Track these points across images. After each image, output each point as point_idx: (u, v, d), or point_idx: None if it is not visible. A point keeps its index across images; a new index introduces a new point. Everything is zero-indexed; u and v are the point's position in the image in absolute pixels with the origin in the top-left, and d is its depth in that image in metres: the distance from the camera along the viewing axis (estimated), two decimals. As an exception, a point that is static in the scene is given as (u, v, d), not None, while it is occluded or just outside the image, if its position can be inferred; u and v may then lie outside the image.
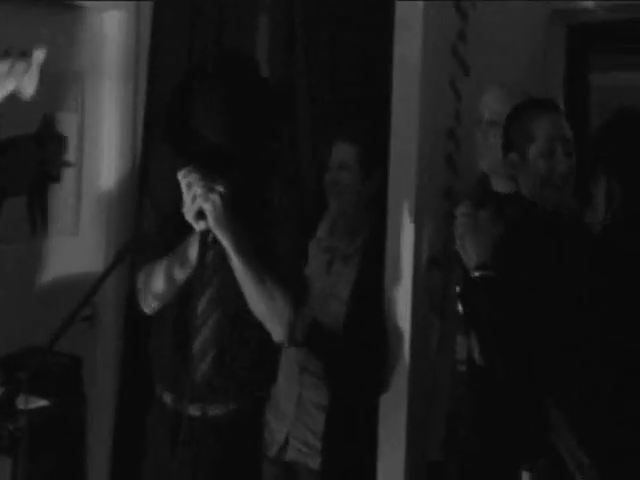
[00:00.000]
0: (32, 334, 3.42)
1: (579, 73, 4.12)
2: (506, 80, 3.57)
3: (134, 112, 4.61)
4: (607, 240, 2.69)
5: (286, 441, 3.68)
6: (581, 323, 2.60)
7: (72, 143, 4.43)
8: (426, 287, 3.56)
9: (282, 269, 2.82)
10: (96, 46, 4.54)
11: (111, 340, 4.58)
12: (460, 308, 3.13)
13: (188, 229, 2.72)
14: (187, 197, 2.63)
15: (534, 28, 3.99)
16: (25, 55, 2.64)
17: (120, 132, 4.59)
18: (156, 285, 2.88)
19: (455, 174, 3.64)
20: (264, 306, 2.79)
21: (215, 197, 2.61)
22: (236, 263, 2.72)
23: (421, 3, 3.46)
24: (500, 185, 3.32)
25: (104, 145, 4.58)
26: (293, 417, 3.68)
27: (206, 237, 2.67)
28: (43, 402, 3.64)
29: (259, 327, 2.84)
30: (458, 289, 3.14)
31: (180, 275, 2.80)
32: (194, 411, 2.87)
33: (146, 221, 3.07)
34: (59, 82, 4.36)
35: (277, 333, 2.84)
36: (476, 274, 2.82)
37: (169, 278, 2.83)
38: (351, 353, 3.57)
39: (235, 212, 2.67)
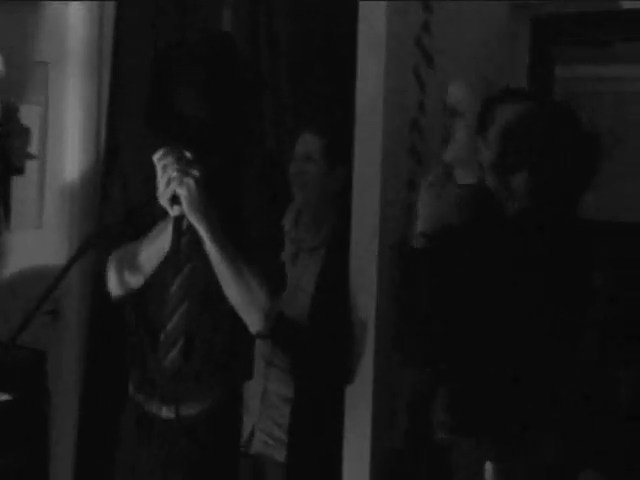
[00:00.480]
0: (-6, 328, 3.40)
1: (543, 65, 4.13)
2: (470, 71, 3.57)
3: (98, 104, 4.59)
4: (518, 229, 2.76)
5: (252, 434, 3.68)
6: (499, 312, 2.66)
7: (36, 136, 4.40)
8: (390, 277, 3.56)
9: (259, 258, 2.76)
10: (60, 38, 4.52)
11: (75, 334, 4.56)
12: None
13: (160, 214, 2.68)
14: (162, 181, 2.58)
15: (498, 20, 3.99)
16: None
17: (84, 125, 4.57)
18: (127, 270, 2.81)
19: (419, 165, 3.64)
20: (241, 296, 2.73)
21: (190, 181, 2.56)
22: (212, 251, 2.68)
23: (385, -6, 3.46)
24: (464, 176, 3.33)
25: (68, 138, 4.57)
26: (258, 410, 3.68)
27: (180, 223, 2.63)
28: (6, 397, 3.62)
29: (231, 315, 2.79)
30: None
31: (152, 261, 2.74)
32: (167, 413, 2.82)
33: (115, 205, 2.98)
34: (23, 74, 4.34)
35: (254, 323, 2.78)
36: (414, 243, 2.90)
37: (140, 263, 2.77)
38: (316, 345, 3.56)
39: (211, 198, 2.63)
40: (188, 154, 2.60)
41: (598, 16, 3.97)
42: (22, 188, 4.35)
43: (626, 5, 3.86)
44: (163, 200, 2.60)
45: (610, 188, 4.08)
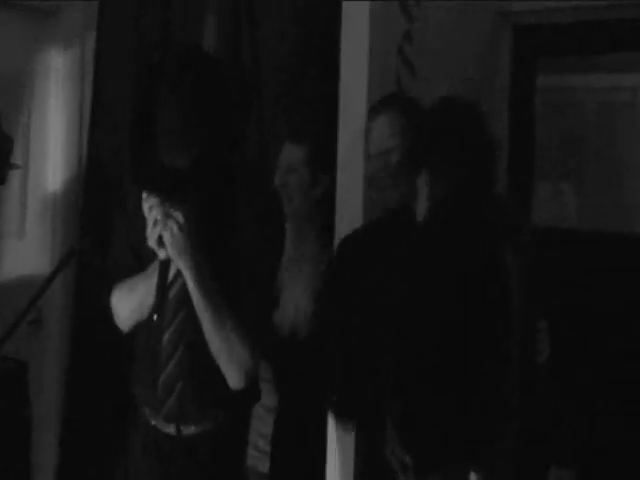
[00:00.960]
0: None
1: (525, 74, 4.14)
2: (453, 80, 3.58)
3: (80, 115, 4.58)
4: (426, 235, 2.76)
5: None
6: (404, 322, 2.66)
7: (18, 145, 4.39)
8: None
9: (245, 310, 2.68)
10: (42, 47, 4.51)
11: (57, 344, 4.55)
12: None
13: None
14: (148, 221, 2.53)
15: (480, 29, 4.01)
16: None
17: (66, 135, 4.56)
18: (128, 305, 2.78)
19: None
20: (220, 348, 2.65)
21: (173, 226, 2.50)
22: (195, 297, 2.61)
23: (367, 4, 3.46)
24: None
25: (50, 148, 4.56)
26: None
27: (166, 266, 2.56)
28: (-12, 407, 3.62)
29: None
30: None
31: (149, 298, 2.63)
32: (169, 429, 2.79)
33: (121, 240, 2.91)
34: (5, 83, 4.33)
35: (232, 379, 2.69)
36: None
37: (136, 302, 2.73)
38: (300, 356, 3.55)
39: (198, 241, 2.56)
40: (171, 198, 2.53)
41: (580, 26, 3.98)
42: (4, 198, 4.35)
43: (608, 15, 3.88)
44: (151, 242, 2.54)
45: (594, 198, 4.10)
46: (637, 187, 4.03)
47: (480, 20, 3.98)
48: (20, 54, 4.41)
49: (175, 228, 2.50)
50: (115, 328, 2.88)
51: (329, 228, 3.60)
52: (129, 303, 2.77)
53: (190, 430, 2.78)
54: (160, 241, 2.52)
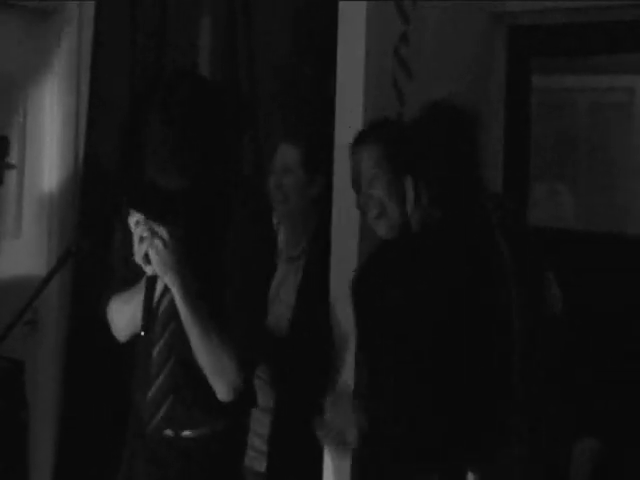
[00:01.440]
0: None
1: (520, 75, 4.15)
2: (448, 81, 3.59)
3: (77, 114, 4.58)
4: (416, 242, 2.76)
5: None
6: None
7: (14, 146, 4.39)
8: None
9: (233, 326, 2.68)
10: (39, 47, 4.51)
11: (53, 344, 4.54)
12: None
13: None
14: (135, 237, 2.53)
15: (475, 30, 4.01)
16: None
17: (62, 135, 4.56)
18: (123, 317, 2.79)
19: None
20: (208, 362, 2.66)
21: (158, 243, 2.50)
22: (183, 313, 2.61)
23: (364, 5, 3.46)
24: None
25: (46, 148, 4.56)
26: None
27: (153, 282, 2.57)
28: (-16, 407, 3.62)
29: None
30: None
31: (138, 313, 2.65)
32: (167, 432, 2.79)
33: (118, 253, 2.90)
34: (1, 85, 4.33)
35: (220, 391, 2.70)
36: None
37: (131, 314, 2.73)
38: (296, 356, 3.56)
39: (186, 256, 2.56)
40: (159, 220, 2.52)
41: (575, 27, 3.99)
42: (0, 198, 4.35)
43: (603, 16, 3.89)
44: (138, 258, 2.55)
45: (587, 198, 4.11)
46: (631, 188, 4.04)
47: (475, 21, 3.99)
48: (16, 54, 4.41)
49: (160, 245, 2.50)
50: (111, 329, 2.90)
51: (325, 227, 3.61)
52: (124, 315, 2.78)
53: (187, 434, 2.79)
54: (147, 257, 2.53)
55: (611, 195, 4.10)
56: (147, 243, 2.50)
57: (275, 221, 3.74)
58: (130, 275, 2.76)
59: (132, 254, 2.66)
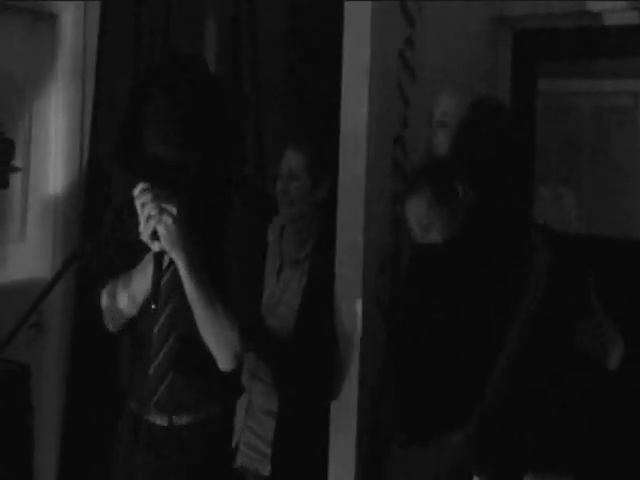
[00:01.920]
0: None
1: (526, 78, 4.15)
2: (453, 86, 3.59)
3: (81, 117, 4.59)
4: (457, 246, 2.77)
5: (236, 447, 3.67)
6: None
7: (19, 149, 4.39)
8: (375, 292, 3.57)
9: (235, 299, 2.77)
10: (43, 50, 4.51)
11: (58, 347, 4.55)
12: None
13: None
14: (141, 217, 2.59)
15: (480, 34, 4.02)
16: None
17: (67, 138, 4.57)
18: (118, 304, 2.83)
19: (403, 179, 3.65)
20: (213, 333, 2.74)
21: (167, 219, 2.57)
22: (188, 285, 2.69)
23: (369, 9, 3.47)
24: None
25: (51, 151, 4.56)
26: (242, 423, 3.67)
27: (161, 259, 2.64)
28: (-10, 410, 3.62)
29: None
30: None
31: (141, 293, 2.75)
32: (160, 421, 2.85)
33: (107, 233, 2.96)
34: (5, 85, 4.33)
35: (222, 361, 2.79)
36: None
37: (129, 297, 2.79)
38: (300, 359, 3.56)
39: (190, 232, 2.64)
40: (165, 192, 2.60)
41: (580, 31, 3.99)
42: (6, 201, 4.35)
43: (607, 20, 3.89)
44: (144, 236, 2.61)
45: (591, 201, 4.11)
46: (635, 192, 4.04)
47: (480, 25, 4.00)
48: (21, 56, 4.41)
49: (170, 221, 2.57)
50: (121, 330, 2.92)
51: (330, 232, 3.61)
52: (122, 298, 2.82)
53: (182, 420, 2.85)
54: (153, 234, 2.60)
55: (615, 199, 4.10)
56: (155, 220, 2.57)
57: (280, 225, 3.75)
58: (122, 263, 2.84)
59: (125, 241, 2.81)
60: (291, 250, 3.72)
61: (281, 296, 3.66)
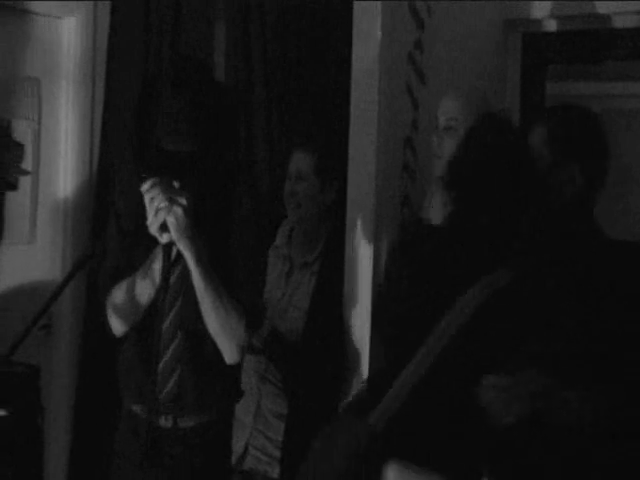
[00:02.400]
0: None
1: (535, 81, 4.15)
2: (462, 88, 3.59)
3: (91, 119, 4.60)
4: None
5: (245, 450, 3.68)
6: None
7: (29, 151, 4.41)
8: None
9: (241, 291, 2.81)
10: (53, 52, 4.52)
11: (68, 349, 4.55)
12: None
13: (153, 244, 2.70)
14: (150, 210, 2.61)
15: (490, 37, 4.02)
16: None
17: (77, 139, 4.57)
18: (125, 306, 2.84)
19: (412, 182, 3.65)
20: (219, 325, 2.77)
21: (178, 210, 2.59)
22: (196, 277, 2.71)
23: (379, 12, 3.47)
24: None
25: (61, 153, 4.57)
26: (252, 426, 3.67)
27: (170, 250, 2.66)
28: (1, 412, 3.62)
29: None
30: None
31: (147, 291, 2.77)
32: (165, 423, 2.87)
33: (111, 236, 2.98)
34: (15, 88, 4.34)
35: (228, 353, 2.83)
36: None
37: (136, 296, 2.79)
38: (310, 362, 3.56)
39: (198, 223, 2.66)
40: (175, 183, 2.63)
41: (590, 34, 3.99)
42: (15, 203, 4.36)
43: (617, 23, 3.89)
44: (152, 229, 2.63)
45: (601, 205, 4.09)
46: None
47: (490, 28, 4.00)
48: (30, 59, 4.42)
49: (180, 211, 2.60)
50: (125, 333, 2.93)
51: (339, 234, 3.62)
52: (128, 303, 2.82)
53: (185, 422, 2.88)
54: (162, 227, 2.62)
55: (625, 202, 4.10)
56: (165, 212, 2.59)
57: (289, 228, 3.76)
58: (126, 264, 2.85)
59: (129, 239, 2.85)
60: (300, 253, 3.72)
61: (290, 299, 3.67)
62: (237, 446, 3.65)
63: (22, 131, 4.38)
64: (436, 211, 3.25)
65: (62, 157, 4.56)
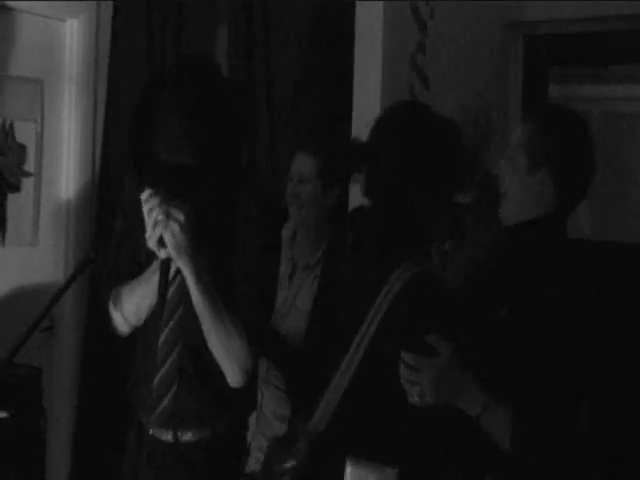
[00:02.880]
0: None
1: (537, 84, 4.15)
2: (465, 91, 3.59)
3: (94, 121, 4.60)
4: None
5: (247, 452, 3.68)
6: None
7: (31, 152, 4.41)
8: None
9: (242, 310, 2.71)
10: (55, 54, 4.53)
11: (70, 351, 4.56)
12: None
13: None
14: (149, 222, 2.53)
15: (492, 39, 4.02)
16: None
17: (80, 141, 4.58)
18: (126, 309, 2.80)
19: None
20: (220, 344, 2.68)
21: (174, 226, 2.50)
22: (195, 294, 2.64)
23: (381, 13, 3.48)
24: None
25: (63, 154, 4.57)
26: (254, 428, 3.67)
27: (167, 266, 2.55)
28: (2, 414, 3.62)
29: None
30: None
31: (146, 301, 2.70)
32: (166, 437, 2.81)
33: (117, 236, 2.93)
34: (18, 90, 4.35)
35: (231, 376, 2.73)
36: None
37: (138, 302, 2.75)
38: (312, 364, 3.56)
39: (198, 240, 2.58)
40: (172, 197, 2.53)
41: (592, 36, 3.99)
42: (17, 205, 4.36)
43: (619, 26, 3.89)
44: (150, 243, 2.55)
45: (603, 208, 4.10)
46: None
47: (492, 30, 4.00)
48: (33, 60, 4.43)
49: (176, 227, 2.51)
50: (128, 335, 2.91)
51: (341, 236, 3.61)
52: (128, 305, 2.79)
53: (187, 437, 2.80)
54: (160, 241, 2.53)
55: (627, 205, 4.10)
56: (162, 227, 2.51)
57: (291, 230, 3.76)
58: (132, 268, 2.80)
59: (135, 246, 2.75)
60: (303, 255, 3.72)
61: (293, 301, 3.67)
62: (239, 448, 3.65)
63: (25, 133, 4.39)
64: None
65: (65, 159, 4.58)
